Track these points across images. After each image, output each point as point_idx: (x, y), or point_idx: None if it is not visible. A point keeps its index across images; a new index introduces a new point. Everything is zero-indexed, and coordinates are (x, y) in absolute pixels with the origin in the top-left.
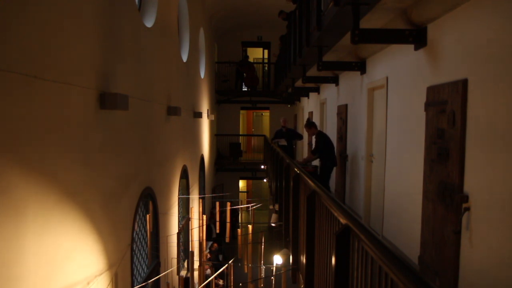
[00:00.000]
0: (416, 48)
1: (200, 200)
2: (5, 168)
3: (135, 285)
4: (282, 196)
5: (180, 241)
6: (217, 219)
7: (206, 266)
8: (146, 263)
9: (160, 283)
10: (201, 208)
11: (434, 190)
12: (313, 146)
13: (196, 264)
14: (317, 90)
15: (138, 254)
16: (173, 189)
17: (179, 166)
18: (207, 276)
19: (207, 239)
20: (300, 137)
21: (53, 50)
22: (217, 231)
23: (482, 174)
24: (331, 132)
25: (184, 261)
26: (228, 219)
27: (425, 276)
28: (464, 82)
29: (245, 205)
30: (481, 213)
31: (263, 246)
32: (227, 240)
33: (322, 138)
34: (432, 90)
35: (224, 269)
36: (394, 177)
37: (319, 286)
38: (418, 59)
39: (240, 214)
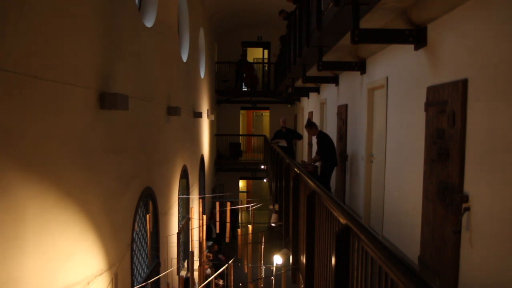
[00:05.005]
0: (416, 48)
1: (200, 200)
2: (5, 168)
3: (135, 285)
4: (282, 196)
5: (180, 241)
6: (217, 219)
7: (206, 266)
8: (146, 263)
9: (160, 283)
10: (201, 208)
11: (434, 190)
12: (313, 146)
13: (196, 264)
14: (317, 90)
15: (138, 254)
16: (173, 189)
17: (179, 166)
18: (207, 276)
19: (207, 239)
20: (300, 136)
21: (53, 50)
22: (217, 231)
23: (482, 174)
24: (331, 132)
25: (184, 261)
26: (228, 219)
27: (425, 276)
28: (464, 82)
29: (245, 205)
30: (481, 213)
31: (263, 246)
32: (227, 240)
33: (324, 138)
34: (432, 90)
35: (224, 269)
36: (394, 177)
37: (319, 286)
38: (418, 59)
39: (240, 214)
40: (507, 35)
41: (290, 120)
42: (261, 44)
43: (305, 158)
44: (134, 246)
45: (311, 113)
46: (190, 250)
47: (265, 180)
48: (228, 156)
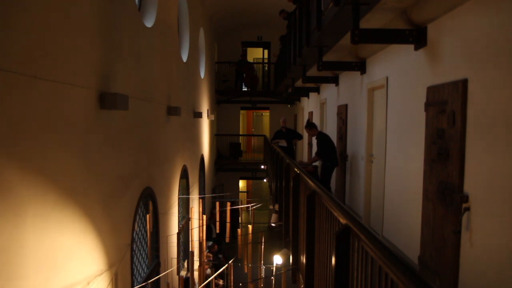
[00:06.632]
0: (416, 48)
1: (200, 200)
2: (5, 168)
3: (135, 285)
4: (282, 196)
5: (180, 241)
6: (217, 219)
7: (206, 266)
8: (146, 263)
9: (160, 283)
10: (201, 208)
11: (434, 190)
12: (313, 147)
13: (196, 264)
14: (317, 90)
15: (138, 254)
16: (173, 189)
17: (179, 166)
18: (207, 276)
19: (207, 239)
20: (300, 137)
21: (53, 50)
22: (217, 231)
23: (482, 174)
24: (331, 132)
25: (184, 261)
26: (228, 219)
27: (425, 276)
28: (464, 82)
29: (245, 205)
30: (481, 213)
31: (263, 246)
32: (227, 240)
33: (324, 139)
34: (432, 90)
35: (224, 269)
36: (394, 177)
37: (319, 286)
38: (418, 59)
39: (240, 214)
40: (507, 35)
41: (290, 120)
42: (261, 44)
43: (305, 158)
44: (134, 246)
45: (311, 113)
46: (190, 250)
47: (265, 180)
48: (228, 156)
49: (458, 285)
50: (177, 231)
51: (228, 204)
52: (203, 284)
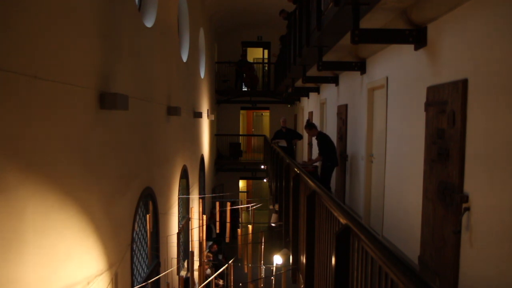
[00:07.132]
0: (416, 48)
1: (200, 200)
2: (5, 168)
3: (135, 285)
4: (282, 196)
5: (180, 241)
6: (217, 219)
7: (206, 266)
8: (146, 263)
9: (160, 283)
10: (201, 208)
11: (434, 190)
12: (313, 147)
13: (196, 264)
14: (317, 90)
15: (138, 254)
16: (173, 189)
17: (179, 166)
18: (207, 276)
19: (207, 239)
20: (300, 137)
21: (53, 50)
22: (217, 231)
23: (482, 174)
24: (331, 132)
25: (184, 261)
26: (228, 219)
27: (425, 276)
28: (464, 82)
29: (245, 205)
30: (481, 213)
31: (263, 246)
32: (227, 240)
33: (324, 139)
34: (432, 90)
35: (224, 269)
36: (394, 177)
37: (319, 286)
38: (418, 59)
39: (240, 214)
40: (507, 35)
41: (290, 120)
42: (261, 44)
43: (306, 159)
44: (134, 246)
45: (311, 113)
46: (190, 250)
47: (265, 180)
48: (228, 156)
49: (458, 285)
50: (177, 231)
51: (228, 204)
52: (203, 284)
